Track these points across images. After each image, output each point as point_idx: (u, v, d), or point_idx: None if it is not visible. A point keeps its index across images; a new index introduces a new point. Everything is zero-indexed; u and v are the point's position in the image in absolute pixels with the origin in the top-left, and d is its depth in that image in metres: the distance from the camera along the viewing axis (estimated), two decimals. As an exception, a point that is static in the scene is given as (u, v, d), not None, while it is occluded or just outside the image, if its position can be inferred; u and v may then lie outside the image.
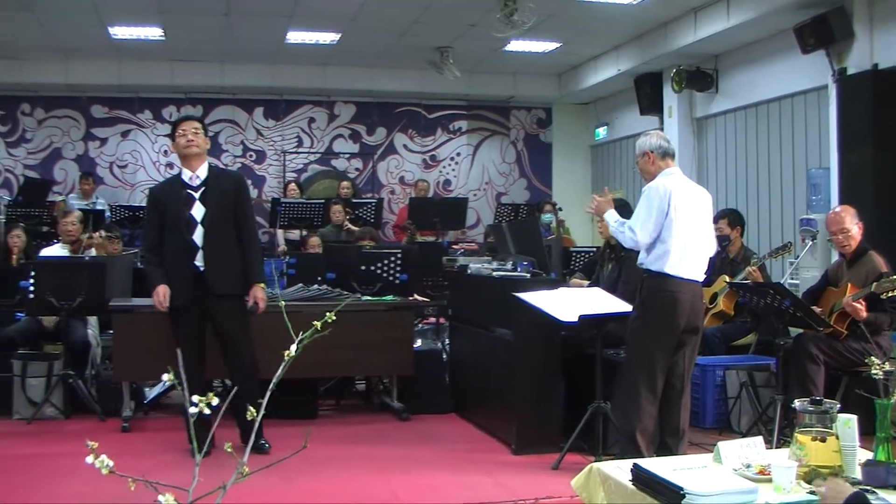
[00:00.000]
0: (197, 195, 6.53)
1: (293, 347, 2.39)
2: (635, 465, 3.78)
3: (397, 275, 8.38)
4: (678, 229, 5.80)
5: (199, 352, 6.54)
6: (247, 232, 6.74)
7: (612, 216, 6.16)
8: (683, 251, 5.81)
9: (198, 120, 6.79)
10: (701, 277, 5.98)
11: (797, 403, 3.97)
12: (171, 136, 6.70)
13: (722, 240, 8.75)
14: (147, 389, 8.39)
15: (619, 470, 3.96)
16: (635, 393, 5.82)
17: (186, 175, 6.59)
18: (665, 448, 5.86)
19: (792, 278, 9.26)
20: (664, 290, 5.80)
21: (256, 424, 2.39)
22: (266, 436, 6.49)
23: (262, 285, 6.67)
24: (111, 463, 2.24)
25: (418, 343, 9.01)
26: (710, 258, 6.29)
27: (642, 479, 3.69)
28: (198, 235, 6.47)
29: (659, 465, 3.74)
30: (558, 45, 13.96)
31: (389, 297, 8.17)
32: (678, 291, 5.78)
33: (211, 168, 6.71)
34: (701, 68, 12.94)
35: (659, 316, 5.81)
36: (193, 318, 6.54)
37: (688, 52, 12.57)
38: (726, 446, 4.09)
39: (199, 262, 6.47)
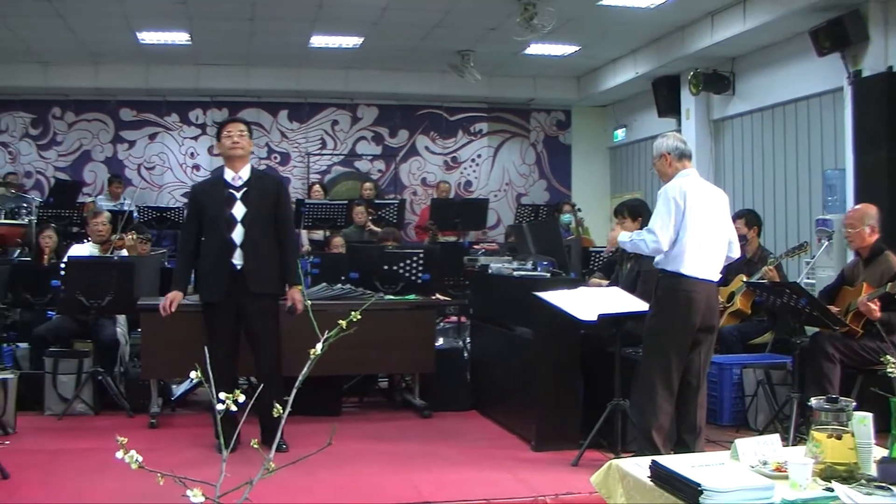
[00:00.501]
0: (238, 195, 6.63)
1: (319, 346, 2.46)
2: (653, 461, 3.78)
3: (419, 274, 8.43)
4: (693, 230, 5.83)
5: (232, 349, 6.63)
6: (286, 234, 6.85)
7: (623, 235, 6.17)
8: (698, 251, 5.84)
9: (244, 122, 6.88)
10: (716, 277, 6.00)
11: (813, 401, 3.94)
12: (217, 136, 6.82)
13: (739, 239, 8.78)
14: (174, 386, 8.48)
15: (638, 467, 3.94)
16: (652, 391, 5.86)
17: (229, 175, 6.70)
18: (682, 445, 5.90)
19: (808, 278, 9.28)
20: (679, 289, 5.83)
21: (282, 422, 2.47)
22: (289, 432, 6.37)
23: (300, 287, 6.78)
24: (140, 458, 2.32)
25: (440, 341, 9.08)
26: (734, 261, 6.34)
27: (660, 476, 3.69)
28: (237, 234, 6.57)
29: (677, 462, 3.73)
30: (577, 48, 14.02)
31: (412, 297, 8.23)
32: (693, 291, 5.81)
33: (253, 170, 6.82)
34: (718, 71, 13.00)
35: (674, 315, 5.85)
36: (228, 316, 6.62)
37: (705, 55, 12.63)
38: (743, 443, 4.06)
39: (237, 260, 6.57)
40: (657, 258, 6.02)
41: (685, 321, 5.83)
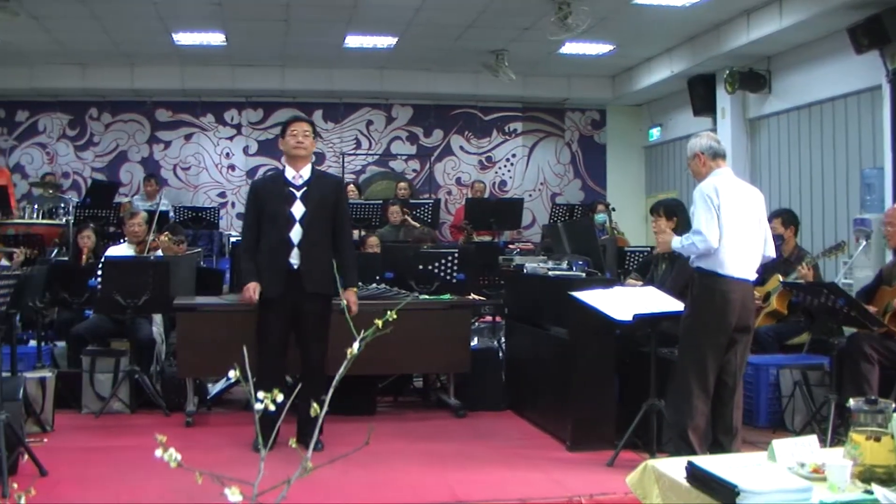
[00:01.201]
0: (298, 194, 6.65)
1: (355, 345, 2.46)
2: (690, 462, 3.76)
3: (454, 274, 8.44)
4: (728, 228, 5.79)
5: (282, 346, 6.67)
6: (344, 236, 6.89)
7: (675, 241, 6.12)
8: (734, 250, 5.81)
9: (309, 122, 6.90)
10: (752, 276, 5.97)
11: (852, 403, 3.91)
12: (281, 133, 6.83)
13: (775, 239, 8.73)
14: (210, 385, 8.52)
15: (674, 467, 3.93)
16: (687, 391, 5.85)
17: (290, 173, 6.72)
18: (718, 446, 5.88)
19: (845, 278, 9.22)
20: (715, 288, 5.81)
21: (320, 421, 2.47)
22: (325, 431, 6.49)
23: (356, 289, 6.83)
24: (179, 456, 2.32)
25: (475, 341, 9.08)
26: (769, 261, 6.31)
27: (697, 477, 3.68)
28: (295, 233, 6.60)
29: (713, 463, 3.71)
30: (612, 47, 13.98)
31: (447, 296, 8.23)
32: (729, 290, 5.79)
33: (314, 169, 6.82)
34: (754, 69, 12.92)
35: (710, 315, 5.82)
36: (282, 313, 6.64)
37: (741, 54, 12.55)
38: (781, 445, 4.02)
39: (294, 259, 6.59)
40: (692, 257, 5.99)
41: (721, 321, 5.80)
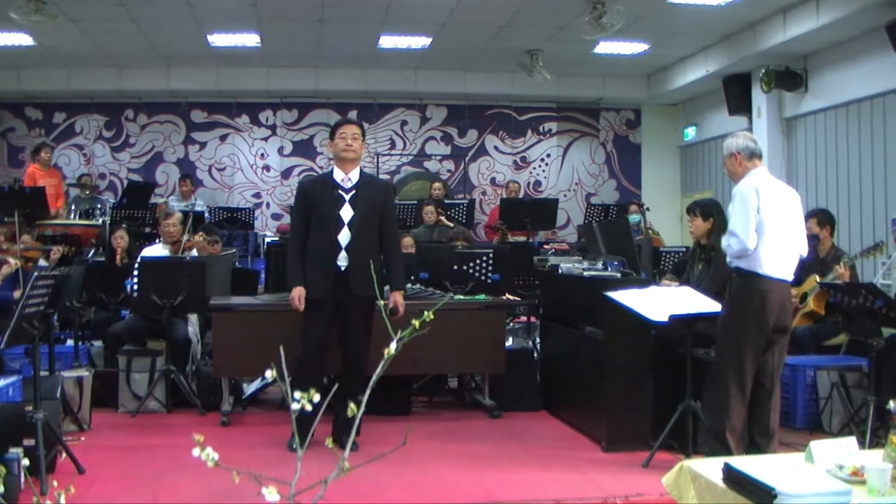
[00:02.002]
0: (347, 197, 6.66)
1: (393, 345, 2.46)
2: (726, 464, 3.75)
3: (489, 274, 8.42)
4: (768, 229, 5.76)
5: (323, 347, 6.68)
6: (392, 240, 6.91)
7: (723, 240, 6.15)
8: (773, 250, 5.78)
9: (359, 125, 6.89)
10: (790, 277, 5.93)
11: (892, 404, 3.90)
12: (331, 135, 6.85)
13: (811, 239, 8.66)
14: (245, 385, 8.55)
15: (710, 468, 3.92)
16: (724, 392, 5.81)
17: (339, 176, 6.72)
18: (755, 447, 5.84)
19: (884, 279, 9.14)
20: (753, 288, 5.77)
21: (357, 422, 2.47)
22: (360, 432, 6.53)
23: (403, 292, 6.86)
24: (216, 456, 2.32)
25: (510, 341, 9.08)
26: (802, 259, 6.26)
27: (733, 478, 3.67)
28: (343, 236, 6.60)
29: (750, 465, 3.70)
30: (647, 46, 13.93)
31: (482, 297, 8.21)
32: (768, 291, 5.75)
33: (363, 173, 6.83)
34: (790, 68, 12.83)
35: (748, 315, 5.78)
36: (326, 314, 6.66)
37: (777, 52, 12.47)
38: (819, 446, 4.01)
39: (341, 262, 6.60)
40: (730, 257, 5.96)
41: (759, 321, 5.76)
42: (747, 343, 5.79)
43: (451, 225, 12.11)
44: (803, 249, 6.10)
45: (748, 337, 5.79)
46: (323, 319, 6.67)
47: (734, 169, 6.07)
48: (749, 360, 5.79)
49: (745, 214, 5.77)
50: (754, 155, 6.07)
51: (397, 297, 6.71)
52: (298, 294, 6.65)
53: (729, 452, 5.59)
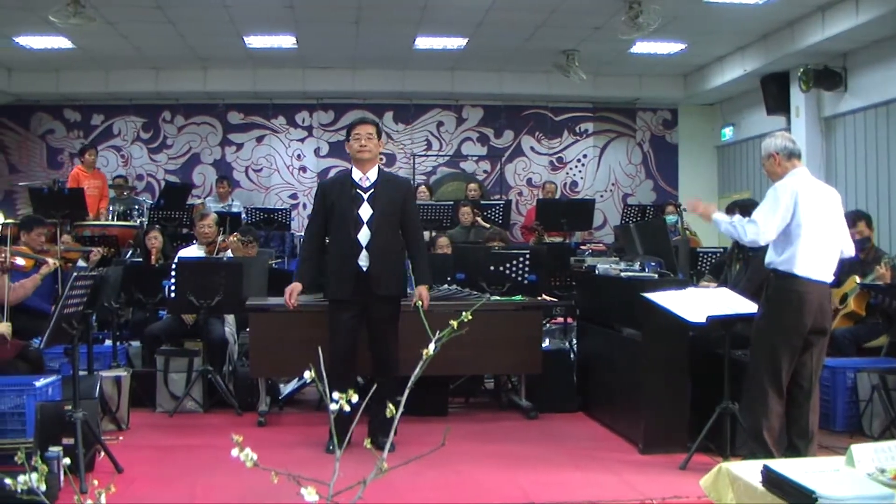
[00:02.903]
0: (366, 196, 6.67)
1: (431, 346, 2.45)
2: (765, 466, 3.72)
3: (526, 275, 8.39)
4: (807, 229, 5.72)
5: (353, 347, 6.67)
6: (414, 236, 6.90)
7: (720, 216, 6.12)
8: (812, 252, 5.73)
9: (373, 123, 6.92)
10: (829, 278, 5.86)
11: None
12: (346, 136, 6.88)
13: (864, 242, 8.56)
14: (282, 385, 8.57)
15: (749, 471, 3.90)
16: (762, 393, 5.77)
17: (357, 175, 6.74)
18: (793, 450, 5.78)
19: (926, 280, 9.03)
20: (791, 289, 5.73)
21: (395, 422, 2.47)
22: (397, 432, 6.53)
23: (429, 287, 6.83)
24: (255, 456, 2.34)
25: (546, 342, 9.04)
26: (845, 260, 6.20)
27: (773, 481, 3.63)
28: (363, 236, 6.61)
29: (790, 467, 3.67)
30: (683, 46, 13.84)
31: (518, 297, 8.19)
32: (806, 292, 5.70)
33: (381, 171, 6.84)
34: (829, 67, 12.69)
35: (785, 316, 5.74)
36: (351, 314, 6.66)
37: (815, 51, 12.34)
38: (860, 450, 3.96)
39: (362, 261, 6.61)
40: (769, 258, 5.91)
41: (796, 323, 5.72)
42: (784, 344, 5.75)
43: (487, 226, 12.11)
44: (847, 249, 6.05)
45: (785, 338, 5.75)
46: (348, 321, 6.66)
47: (773, 169, 6.02)
48: (785, 361, 5.75)
49: (774, 208, 5.76)
50: (793, 155, 6.01)
51: (422, 292, 6.69)
52: (291, 289, 6.72)
53: (767, 453, 5.55)
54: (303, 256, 7.01)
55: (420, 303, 6.57)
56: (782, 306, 5.78)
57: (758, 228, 5.74)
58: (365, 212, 6.65)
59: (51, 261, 7.27)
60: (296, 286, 6.76)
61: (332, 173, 16.34)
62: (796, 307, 5.72)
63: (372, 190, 6.69)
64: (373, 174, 6.74)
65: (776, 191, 5.83)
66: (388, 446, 2.47)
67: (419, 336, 2.53)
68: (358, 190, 6.70)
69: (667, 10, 11.15)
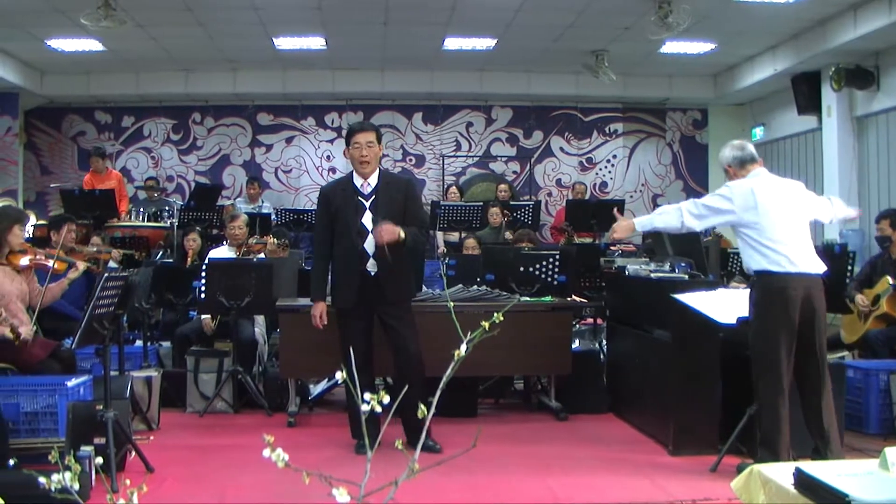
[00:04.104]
0: (367, 203, 6.65)
1: (463, 347, 2.44)
2: (798, 469, 3.69)
3: (555, 276, 8.37)
4: (772, 226, 5.78)
5: (366, 351, 6.67)
6: (415, 224, 6.79)
7: (640, 219, 6.34)
8: (787, 246, 5.76)
9: (373, 130, 6.82)
10: (815, 269, 5.83)
11: None
12: (346, 142, 6.84)
13: (883, 241, 8.53)
14: (311, 386, 8.58)
15: (781, 473, 3.86)
16: (766, 398, 5.76)
17: (358, 181, 6.71)
18: (816, 452, 5.74)
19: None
20: (773, 287, 5.75)
21: (427, 423, 2.46)
22: (431, 433, 6.58)
23: (402, 235, 6.52)
24: (287, 457, 2.33)
25: (576, 343, 9.03)
26: (872, 258, 6.16)
27: (805, 484, 3.60)
28: (369, 244, 6.59)
29: (822, 470, 3.63)
30: (714, 46, 13.78)
31: (548, 298, 8.17)
32: (788, 287, 5.71)
33: (382, 175, 6.78)
34: (861, 66, 12.60)
35: (771, 313, 5.75)
36: (362, 320, 6.66)
37: (847, 50, 12.25)
38: (894, 452, 3.89)
39: (370, 267, 6.60)
40: (745, 264, 6.00)
41: (783, 318, 5.72)
42: (777, 343, 5.73)
43: (511, 237, 11.98)
44: (821, 216, 6.19)
45: (777, 336, 5.74)
46: (358, 329, 6.65)
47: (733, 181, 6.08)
48: (783, 360, 5.73)
49: (716, 208, 5.95)
50: (745, 161, 6.13)
51: (387, 225, 6.49)
52: (320, 311, 6.75)
53: (776, 457, 5.52)
54: (316, 274, 6.94)
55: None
56: (766, 306, 5.80)
57: (698, 211, 5.99)
58: (368, 220, 6.63)
59: (80, 265, 7.30)
60: (321, 306, 6.77)
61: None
62: (780, 302, 5.72)
63: (374, 196, 6.67)
64: (374, 179, 6.70)
65: (728, 189, 5.97)
66: (419, 447, 2.46)
67: (449, 337, 2.53)
68: (360, 197, 6.68)
69: (697, 9, 11.10)
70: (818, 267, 5.85)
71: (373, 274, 6.62)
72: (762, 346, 5.81)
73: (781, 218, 5.82)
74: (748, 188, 5.89)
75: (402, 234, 6.50)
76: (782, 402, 5.72)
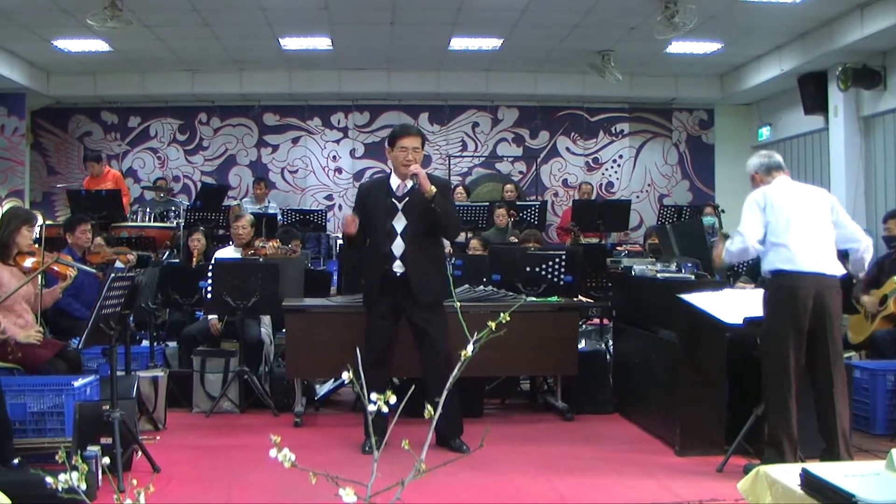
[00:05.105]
0: (400, 206, 6.66)
1: (469, 347, 2.44)
2: (804, 469, 3.69)
3: (562, 276, 8.36)
4: (788, 226, 5.80)
5: (387, 351, 6.71)
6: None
7: (724, 252, 6.23)
8: (799, 246, 5.76)
9: (420, 135, 6.82)
10: (829, 270, 5.80)
11: None
12: (390, 142, 6.82)
13: (890, 241, 8.50)
14: (318, 386, 8.59)
15: (788, 474, 3.87)
16: (776, 399, 5.75)
17: (395, 183, 6.73)
18: (826, 453, 5.73)
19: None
20: (783, 286, 5.77)
21: (434, 423, 2.45)
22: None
23: (433, 192, 6.58)
24: (293, 457, 2.34)
25: (582, 344, 9.02)
26: (881, 258, 6.15)
27: (812, 485, 3.60)
28: (397, 246, 6.61)
29: (829, 471, 3.64)
30: (720, 45, 13.77)
31: (554, 299, 8.17)
32: (797, 287, 5.71)
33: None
34: (868, 65, 12.58)
35: (781, 314, 5.75)
36: (387, 320, 6.69)
37: (854, 50, 12.23)
38: (900, 454, 3.94)
39: (397, 268, 6.62)
40: (763, 266, 5.97)
41: (792, 316, 5.72)
42: (786, 343, 5.73)
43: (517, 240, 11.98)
44: (847, 242, 6.06)
45: (786, 336, 5.74)
46: (382, 325, 6.70)
47: (758, 188, 6.11)
48: (792, 360, 5.72)
49: (751, 216, 5.92)
50: (772, 168, 6.14)
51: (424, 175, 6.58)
52: (352, 217, 6.72)
53: (782, 458, 5.51)
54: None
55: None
56: (777, 305, 5.81)
57: (742, 236, 5.90)
58: (399, 223, 6.65)
59: (70, 273, 7.30)
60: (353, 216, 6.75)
61: (367, 174, 16.42)
62: (789, 301, 5.72)
63: (407, 199, 6.68)
64: (411, 182, 6.70)
65: (748, 200, 5.99)
66: (425, 448, 2.45)
67: (457, 338, 2.52)
68: (393, 199, 6.69)
69: (703, 9, 11.09)
70: (834, 269, 5.83)
71: (398, 275, 6.62)
72: (771, 344, 5.82)
73: (794, 218, 5.83)
74: (761, 191, 5.94)
75: (434, 190, 6.53)
76: (790, 402, 5.71)
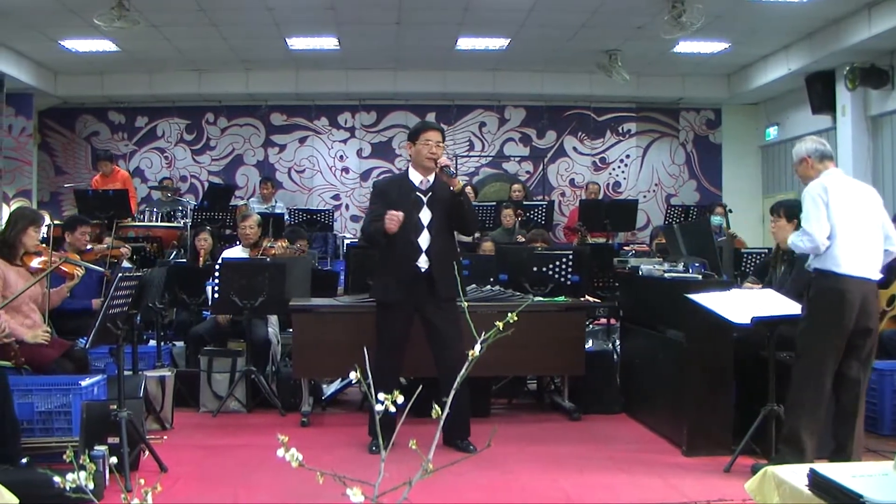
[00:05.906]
0: (425, 199, 6.67)
1: (477, 347, 2.43)
2: (812, 470, 3.68)
3: (569, 276, 8.36)
4: (842, 226, 5.69)
5: (401, 348, 6.70)
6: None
7: (792, 236, 6.04)
8: (850, 248, 5.68)
9: (441, 130, 6.81)
10: (875, 276, 5.78)
11: None
12: (413, 138, 6.78)
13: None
14: (325, 386, 8.59)
15: (795, 474, 3.86)
16: (806, 397, 5.71)
17: (416, 178, 6.72)
18: (835, 453, 5.73)
19: (975, 281, 8.91)
20: (831, 288, 5.68)
21: (441, 424, 2.45)
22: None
23: (461, 185, 6.70)
24: (301, 456, 2.34)
25: (589, 343, 9.01)
26: (891, 260, 6.12)
27: (819, 485, 3.59)
28: (423, 239, 6.61)
29: (836, 471, 3.63)
30: (727, 45, 13.77)
31: (561, 298, 8.16)
32: (846, 290, 5.64)
33: (438, 174, 6.79)
34: (876, 65, 12.57)
35: (827, 315, 5.69)
36: (404, 317, 6.68)
37: (862, 49, 12.22)
38: (908, 454, 3.93)
39: (422, 263, 6.61)
40: (809, 259, 5.87)
41: (839, 322, 5.66)
42: (827, 345, 5.69)
43: (522, 239, 11.99)
44: (891, 246, 5.98)
45: (828, 339, 5.69)
46: (399, 322, 6.68)
47: (806, 173, 5.99)
48: (829, 362, 5.69)
49: (817, 212, 5.72)
50: (825, 157, 5.99)
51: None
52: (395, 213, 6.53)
53: (801, 456, 5.49)
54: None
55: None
56: (823, 305, 5.73)
57: (811, 236, 5.71)
58: (425, 216, 6.65)
59: (78, 273, 7.31)
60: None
61: (374, 174, 16.45)
62: (837, 305, 5.66)
63: (431, 193, 6.69)
64: (431, 176, 6.72)
65: (810, 193, 5.81)
66: (433, 446, 2.44)
67: (465, 338, 2.52)
68: (418, 193, 6.69)
69: (710, 8, 11.09)
70: (877, 273, 5.82)
71: (423, 270, 6.62)
72: (811, 345, 5.77)
73: (850, 219, 5.75)
74: (820, 184, 5.80)
75: (461, 183, 6.62)
76: (822, 405, 5.70)
